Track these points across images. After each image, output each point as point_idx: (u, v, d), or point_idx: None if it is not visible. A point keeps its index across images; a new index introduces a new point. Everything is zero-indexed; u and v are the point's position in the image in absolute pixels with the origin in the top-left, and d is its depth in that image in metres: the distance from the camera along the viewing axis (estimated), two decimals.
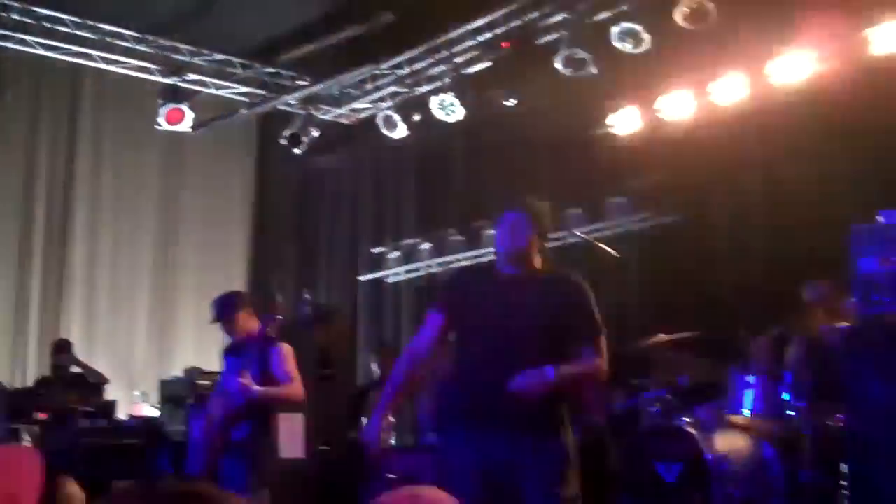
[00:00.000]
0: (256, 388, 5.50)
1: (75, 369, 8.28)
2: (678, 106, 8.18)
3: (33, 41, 9.24)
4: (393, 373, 4.36)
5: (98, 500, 1.67)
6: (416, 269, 10.25)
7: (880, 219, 5.23)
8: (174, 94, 9.60)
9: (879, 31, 7.02)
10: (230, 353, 5.93)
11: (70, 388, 7.99)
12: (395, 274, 10.50)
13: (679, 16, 7.47)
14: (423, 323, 4.33)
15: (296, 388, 5.72)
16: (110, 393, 8.58)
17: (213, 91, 10.19)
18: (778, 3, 7.33)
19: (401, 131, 9.61)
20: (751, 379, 6.00)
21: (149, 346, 10.95)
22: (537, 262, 4.22)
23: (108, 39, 9.51)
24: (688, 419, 6.01)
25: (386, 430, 4.22)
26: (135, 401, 8.69)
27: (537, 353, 3.95)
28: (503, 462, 3.91)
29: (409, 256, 10.37)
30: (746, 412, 5.94)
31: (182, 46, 9.80)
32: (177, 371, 9.09)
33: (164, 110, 9.53)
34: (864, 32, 7.10)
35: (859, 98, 6.97)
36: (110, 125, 10.98)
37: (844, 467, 5.17)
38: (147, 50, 9.71)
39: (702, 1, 7.39)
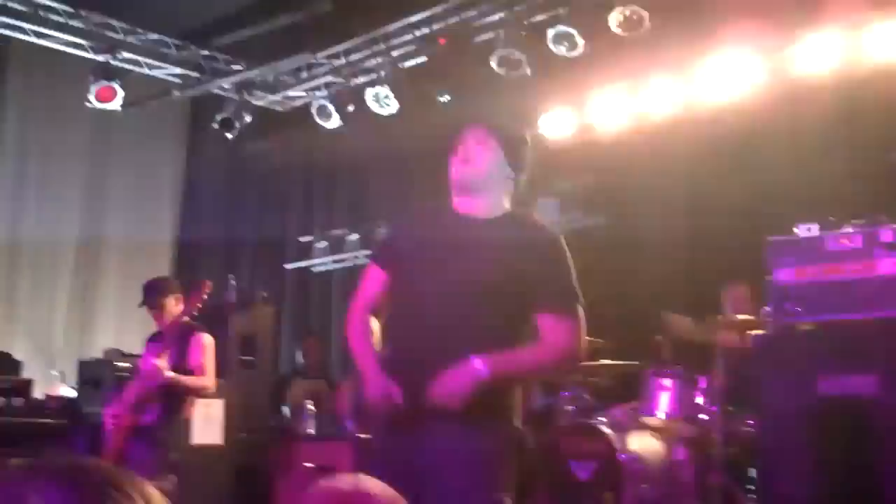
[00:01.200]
0: (169, 372, 5.54)
1: None
2: (609, 111, 8.30)
3: None
4: (352, 331, 3.34)
5: None
6: (343, 260, 10.23)
7: (797, 231, 5.41)
8: (106, 72, 9.48)
9: (803, 48, 7.21)
10: (153, 338, 5.94)
11: None
12: (322, 263, 10.47)
13: (613, 22, 7.59)
14: (363, 279, 3.45)
15: (207, 381, 5.79)
16: (27, 372, 8.48)
17: (145, 71, 10.03)
18: (711, 14, 7.45)
19: (335, 121, 9.60)
20: (666, 382, 6.13)
21: (69, 326, 10.76)
22: (506, 202, 3.30)
23: (41, 13, 9.32)
24: (603, 419, 6.13)
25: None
26: (52, 381, 8.57)
27: (484, 321, 3.07)
28: (425, 467, 3.09)
29: (337, 246, 10.34)
30: (660, 414, 6.08)
31: (116, 24, 9.63)
32: (96, 352, 8.99)
33: (94, 87, 9.41)
34: (790, 48, 7.28)
35: (784, 113, 7.16)
36: (39, 100, 10.75)
37: (752, 472, 5.33)
38: (80, 25, 9.53)
39: (636, 8, 7.51)
